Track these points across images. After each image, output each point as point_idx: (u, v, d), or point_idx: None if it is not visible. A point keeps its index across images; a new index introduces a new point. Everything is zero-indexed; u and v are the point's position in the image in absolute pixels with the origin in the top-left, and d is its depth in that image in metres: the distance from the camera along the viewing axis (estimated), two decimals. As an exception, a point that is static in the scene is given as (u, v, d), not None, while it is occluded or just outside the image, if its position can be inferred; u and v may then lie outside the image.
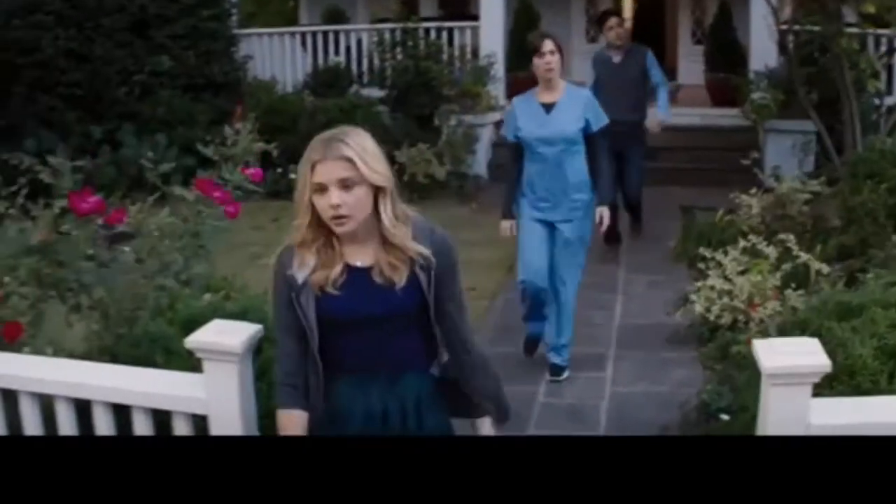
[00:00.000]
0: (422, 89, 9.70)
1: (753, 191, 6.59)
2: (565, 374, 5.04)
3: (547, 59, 4.64)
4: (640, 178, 7.18)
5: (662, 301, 6.06)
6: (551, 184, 4.75)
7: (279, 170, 9.66)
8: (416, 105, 9.73)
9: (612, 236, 6.91)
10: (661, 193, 8.27)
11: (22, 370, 2.72)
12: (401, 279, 2.36)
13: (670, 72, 11.20)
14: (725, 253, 5.33)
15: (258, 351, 3.10)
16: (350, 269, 2.38)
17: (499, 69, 9.80)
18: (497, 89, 9.86)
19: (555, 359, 5.05)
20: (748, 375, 3.52)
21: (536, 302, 4.93)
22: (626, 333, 5.70)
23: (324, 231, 2.35)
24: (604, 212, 4.88)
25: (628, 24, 7.58)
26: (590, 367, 5.20)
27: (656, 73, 7.16)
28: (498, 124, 9.00)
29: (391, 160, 9.72)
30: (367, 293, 2.37)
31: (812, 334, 2.82)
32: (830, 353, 2.66)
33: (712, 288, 5.12)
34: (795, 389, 2.24)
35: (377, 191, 2.31)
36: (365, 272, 2.38)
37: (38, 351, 2.80)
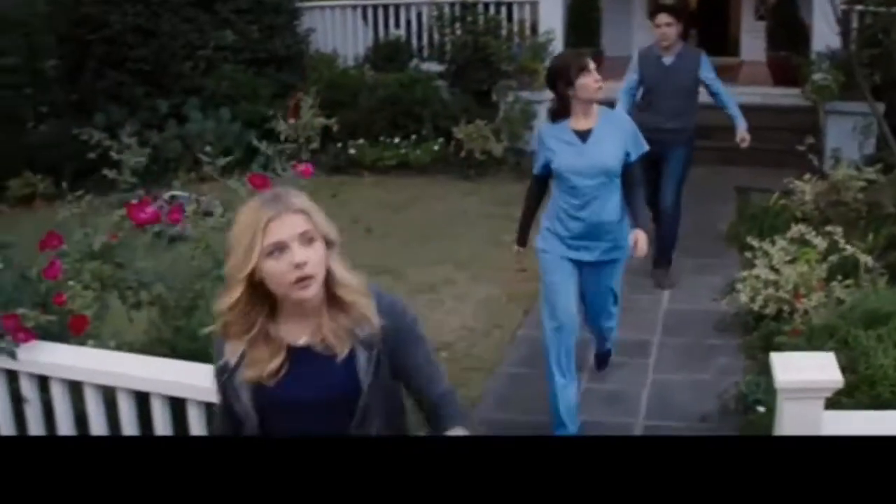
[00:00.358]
0: (480, 65, 9.76)
1: (807, 176, 6.55)
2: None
3: (597, 78, 4.14)
4: (677, 187, 6.27)
5: (711, 286, 6.11)
6: (587, 221, 4.27)
7: (339, 144, 9.85)
8: (474, 80, 9.80)
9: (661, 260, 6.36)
10: (716, 174, 8.24)
11: (87, 362, 2.93)
12: (343, 350, 2.13)
13: (732, 46, 11.05)
14: (773, 242, 5.35)
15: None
16: (289, 351, 2.16)
17: (557, 45, 9.78)
18: (555, 66, 9.86)
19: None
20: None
21: (557, 346, 4.37)
22: (672, 319, 5.76)
23: (259, 309, 2.12)
24: (639, 235, 4.27)
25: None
26: (634, 354, 5.30)
27: (713, 79, 6.24)
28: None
29: (448, 136, 9.87)
30: (311, 374, 2.15)
31: (838, 341, 2.89)
32: (854, 361, 2.74)
33: (758, 277, 5.15)
34: (808, 403, 2.33)
35: (327, 246, 2.12)
36: (305, 351, 2.16)
37: (101, 344, 3.00)
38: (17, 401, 3.10)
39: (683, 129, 6.15)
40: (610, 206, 4.27)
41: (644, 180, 5.55)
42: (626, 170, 4.29)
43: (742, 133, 6.24)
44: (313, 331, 2.14)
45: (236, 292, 2.09)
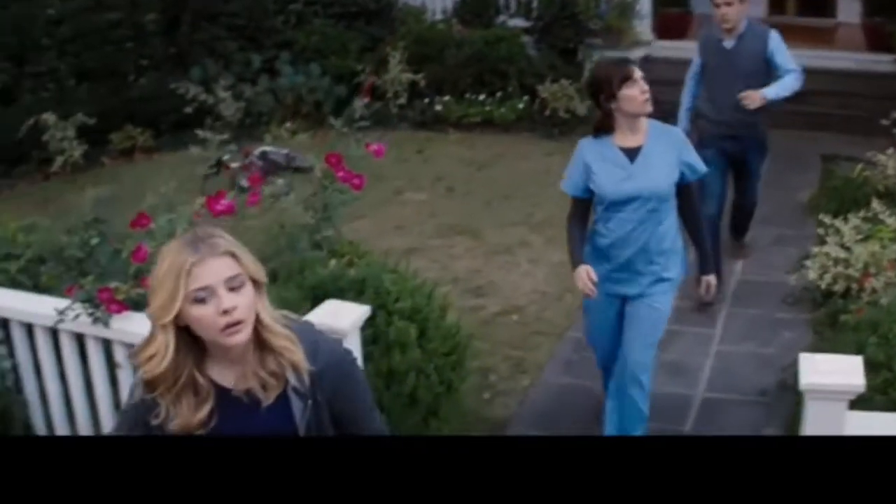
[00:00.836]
0: (567, 22, 9.73)
1: (891, 150, 6.45)
2: None
3: (643, 87, 3.63)
4: (756, 190, 5.85)
5: (787, 258, 6.10)
6: (631, 250, 3.75)
7: (426, 100, 10.00)
8: (560, 38, 9.79)
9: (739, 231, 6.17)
10: (803, 140, 8.13)
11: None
12: (269, 398, 2.04)
13: (829, 7, 10.71)
14: (846, 220, 5.35)
15: (372, 317, 3.51)
16: (217, 395, 2.05)
17: (645, 5, 9.68)
18: (642, 25, 9.77)
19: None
20: (848, 346, 3.62)
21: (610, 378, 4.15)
22: (743, 289, 5.80)
23: (185, 357, 2.00)
24: (711, 281, 3.99)
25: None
26: (700, 324, 5.39)
27: (783, 61, 5.33)
28: (643, 60, 8.97)
29: (533, 94, 9.92)
30: (238, 418, 2.05)
31: (881, 336, 2.97)
32: (892, 359, 2.83)
33: (827, 255, 5.17)
34: (831, 404, 2.45)
35: (256, 288, 2.01)
36: (234, 396, 2.05)
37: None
38: (111, 366, 3.42)
39: (751, 122, 5.38)
40: (659, 233, 3.74)
41: (710, 192, 5.39)
42: (681, 193, 3.80)
43: (749, 93, 5.20)
44: (241, 376, 2.04)
45: (160, 339, 1.96)
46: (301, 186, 7.80)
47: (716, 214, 5.55)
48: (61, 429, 3.66)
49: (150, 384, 2.00)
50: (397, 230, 7.42)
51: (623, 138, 3.72)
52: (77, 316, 3.29)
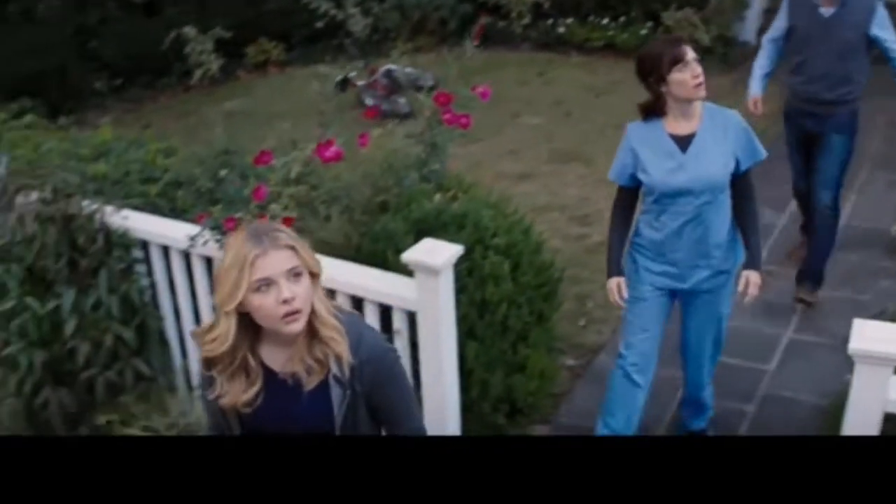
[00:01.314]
0: (696, -53, 9.57)
1: None
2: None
3: (696, 71, 3.35)
4: (836, 177, 4.99)
5: (896, 205, 6.07)
6: (686, 245, 3.52)
7: (549, 21, 10.05)
8: (688, -37, 9.65)
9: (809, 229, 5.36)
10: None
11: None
12: (311, 384, 2.21)
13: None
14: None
15: (470, 251, 3.79)
16: (266, 377, 2.23)
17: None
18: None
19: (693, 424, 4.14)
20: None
21: (624, 394, 3.75)
22: (848, 235, 5.76)
23: (244, 342, 2.17)
24: (752, 277, 3.60)
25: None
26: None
27: (888, 39, 4.73)
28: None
29: (657, 20, 9.87)
30: (281, 398, 2.23)
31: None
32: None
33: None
34: (876, 369, 2.64)
35: (312, 280, 2.15)
36: (280, 378, 2.22)
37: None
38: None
39: (846, 101, 4.85)
40: (715, 226, 3.51)
41: (794, 167, 5.21)
42: (737, 181, 3.51)
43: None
44: (288, 359, 2.20)
45: (223, 324, 2.13)
46: (422, 105, 8.11)
47: (805, 189, 5.17)
48: (190, 340, 4.14)
49: (208, 362, 2.20)
50: (511, 154, 7.65)
51: (675, 124, 3.45)
52: (206, 242, 3.70)
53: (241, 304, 2.09)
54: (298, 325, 2.10)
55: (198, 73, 9.99)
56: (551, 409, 4.45)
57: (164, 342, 4.16)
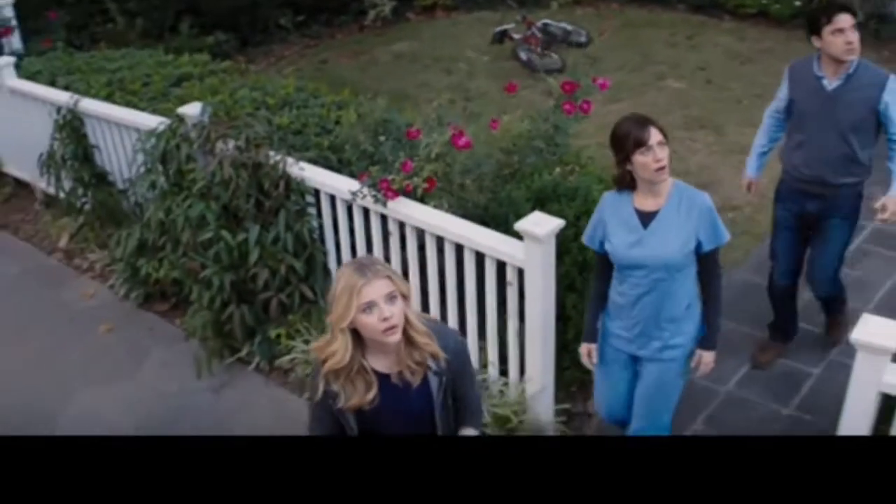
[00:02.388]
0: (862, -86, 9.61)
1: None
2: None
3: (658, 156, 3.41)
4: (834, 265, 4.71)
5: None
6: (640, 315, 3.64)
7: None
8: (852, -69, 9.70)
9: (779, 334, 5.10)
10: None
11: (429, 218, 4.46)
12: (417, 381, 2.77)
13: None
14: None
15: (577, 219, 4.53)
16: (377, 376, 2.77)
17: None
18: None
19: None
20: None
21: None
22: None
23: (357, 352, 2.71)
24: (704, 357, 3.71)
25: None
26: (893, 247, 5.95)
27: (895, 117, 4.26)
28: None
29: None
30: (395, 395, 2.78)
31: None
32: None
33: None
34: (874, 357, 3.29)
35: (404, 300, 2.69)
36: (388, 378, 2.78)
37: (440, 206, 4.50)
38: (385, 234, 4.75)
39: (849, 185, 4.46)
40: (670, 301, 3.59)
41: (779, 258, 4.81)
42: (703, 260, 3.58)
43: (885, 201, 4.34)
44: (394, 363, 2.77)
45: (339, 340, 2.68)
46: (574, 61, 8.71)
47: (788, 286, 4.86)
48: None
49: (333, 374, 2.75)
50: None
51: (642, 200, 3.55)
52: (364, 196, 4.61)
53: (351, 322, 2.66)
54: (396, 336, 2.67)
55: (371, 14, 10.98)
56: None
57: (326, 272, 5.14)
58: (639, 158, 3.43)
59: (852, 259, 5.84)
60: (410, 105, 7.65)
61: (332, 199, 4.95)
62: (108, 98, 6.48)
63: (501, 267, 4.35)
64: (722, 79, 8.81)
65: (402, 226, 4.63)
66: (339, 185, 4.85)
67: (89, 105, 6.23)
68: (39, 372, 5.52)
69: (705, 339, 3.71)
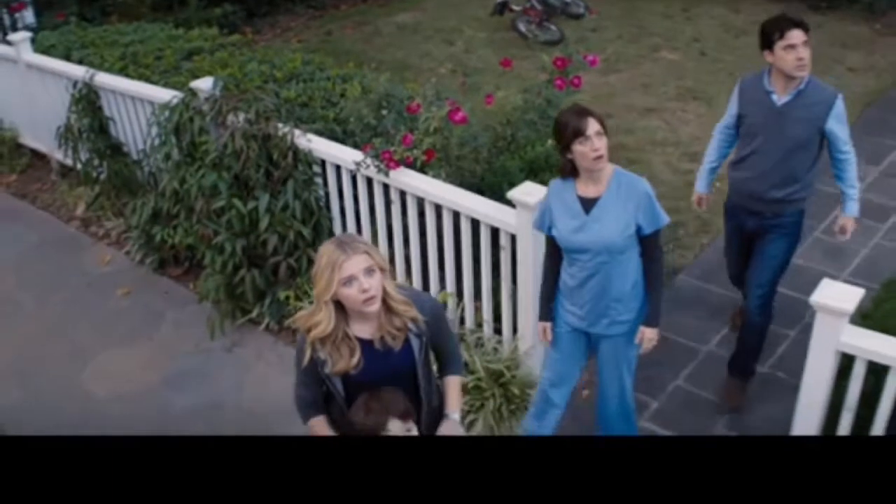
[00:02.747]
0: None
1: None
2: None
3: (595, 146, 3.56)
4: (769, 283, 4.59)
5: None
6: (588, 295, 3.83)
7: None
8: None
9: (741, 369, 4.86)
10: None
11: (428, 188, 4.75)
12: (398, 345, 2.99)
13: None
14: None
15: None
16: (360, 343, 2.99)
17: None
18: None
19: None
20: None
21: (542, 409, 4.23)
22: None
23: (341, 321, 2.94)
24: (647, 333, 3.89)
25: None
26: (872, 217, 6.19)
27: (841, 136, 4.27)
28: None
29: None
30: (378, 360, 3.00)
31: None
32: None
33: None
34: (831, 318, 3.58)
35: (382, 273, 2.90)
36: (371, 344, 2.99)
37: (438, 176, 4.78)
38: (387, 203, 5.05)
39: (792, 201, 4.42)
40: (614, 282, 3.77)
41: (731, 265, 4.91)
42: (645, 242, 3.76)
43: (843, 222, 4.56)
44: (375, 329, 2.98)
45: (323, 311, 2.91)
46: (572, 33, 8.91)
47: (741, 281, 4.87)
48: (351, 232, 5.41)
49: (319, 342, 2.97)
50: (643, 88, 8.46)
51: (584, 187, 3.72)
52: (368, 167, 4.90)
53: (333, 294, 2.88)
54: (375, 306, 2.90)
55: (375, -16, 11.10)
56: (628, 318, 5.50)
57: (331, 234, 5.44)
58: (578, 148, 3.59)
59: (832, 226, 6.12)
60: (413, 75, 7.90)
61: (338, 169, 5.25)
62: (122, 71, 6.76)
63: (495, 233, 4.64)
64: (716, 51, 9.04)
65: (403, 194, 4.93)
66: (344, 155, 5.14)
67: (104, 79, 6.50)
68: (62, 334, 5.86)
69: (647, 316, 3.88)
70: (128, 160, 6.66)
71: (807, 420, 3.95)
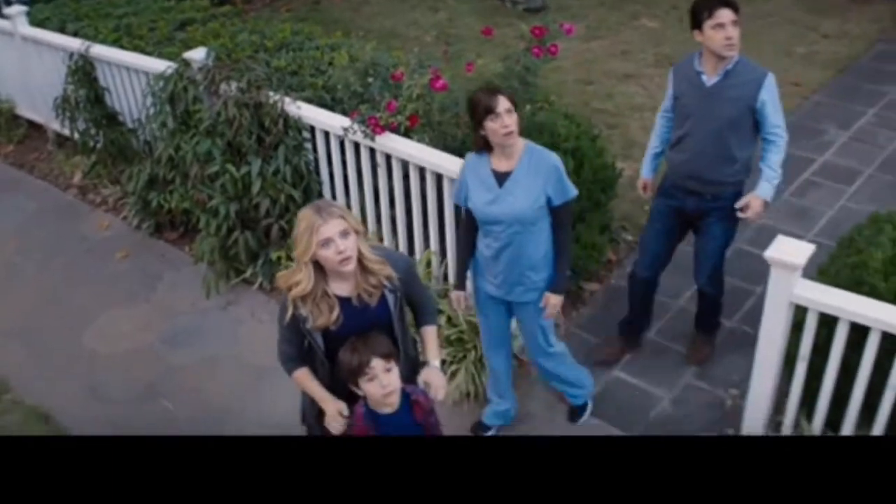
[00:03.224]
0: None
1: None
2: (586, 416, 4.76)
3: (505, 122, 3.74)
4: (714, 262, 4.70)
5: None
6: (503, 265, 4.03)
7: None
8: None
9: (628, 329, 5.16)
10: None
11: (412, 151, 4.99)
12: (374, 302, 3.22)
13: None
14: None
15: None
16: (339, 300, 3.20)
17: None
18: None
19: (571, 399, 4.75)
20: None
21: (492, 375, 4.61)
22: (894, 159, 6.65)
23: (320, 280, 3.15)
24: (550, 299, 4.09)
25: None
26: (839, 180, 6.48)
27: (771, 116, 4.27)
28: None
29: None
30: (356, 315, 3.21)
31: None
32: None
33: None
34: (785, 272, 3.82)
35: (357, 235, 3.11)
36: (349, 301, 3.21)
37: (422, 140, 5.01)
38: (373, 166, 5.27)
39: (727, 184, 4.44)
40: (527, 252, 3.98)
41: (647, 250, 4.83)
42: (555, 213, 3.95)
43: (749, 199, 4.43)
44: (352, 287, 3.21)
45: (303, 271, 3.12)
46: (553, 1, 9.05)
47: (649, 279, 4.90)
48: (341, 198, 5.65)
49: (301, 299, 3.18)
50: (623, 55, 8.69)
51: (497, 161, 3.90)
52: (355, 132, 5.14)
53: (312, 256, 3.09)
54: (351, 266, 3.12)
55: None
56: (605, 274, 5.79)
57: (321, 197, 5.69)
58: (489, 125, 3.78)
59: (800, 188, 6.41)
60: (399, 43, 8.09)
61: (326, 134, 5.49)
62: (117, 43, 6.96)
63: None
64: (696, 18, 9.22)
65: (388, 158, 5.17)
66: (332, 122, 5.38)
67: (100, 50, 6.70)
68: (64, 296, 6.12)
69: (553, 283, 4.09)
70: (123, 129, 6.88)
71: (765, 369, 4.22)
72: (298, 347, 3.39)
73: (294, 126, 5.50)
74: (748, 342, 4.71)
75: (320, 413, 3.43)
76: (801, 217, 6.15)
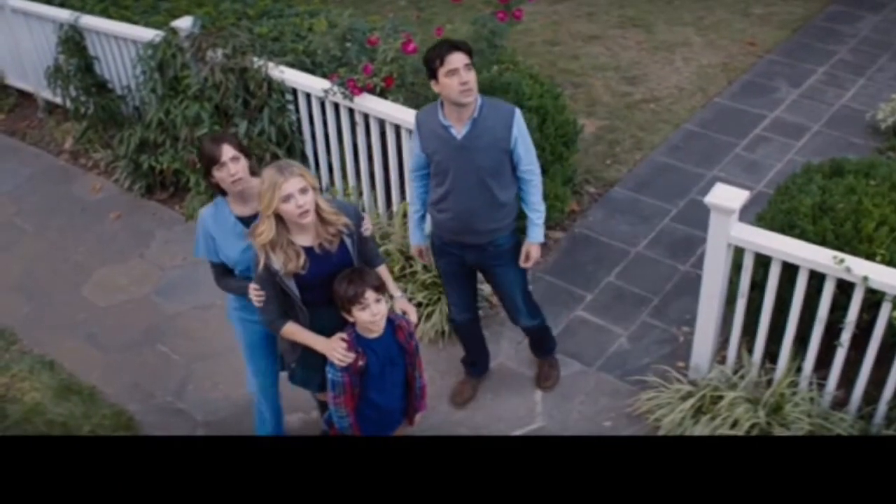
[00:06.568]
0: None
1: None
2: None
3: (232, 172, 3.80)
4: (519, 302, 4.66)
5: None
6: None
7: None
8: None
9: (473, 368, 5.08)
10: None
11: (388, 111, 5.39)
12: (335, 248, 3.60)
13: None
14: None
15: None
16: (304, 249, 3.57)
17: None
18: None
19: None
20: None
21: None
22: (841, 114, 7.11)
23: (283, 232, 3.51)
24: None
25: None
26: (788, 135, 6.90)
27: (524, 154, 4.21)
28: None
29: None
30: (321, 261, 3.59)
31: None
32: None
33: None
34: (722, 215, 4.22)
35: (314, 191, 3.48)
36: (312, 249, 3.58)
37: (396, 99, 5.41)
38: (352, 125, 5.66)
39: (502, 227, 4.34)
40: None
41: (456, 301, 4.73)
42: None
43: (527, 249, 4.43)
44: (313, 237, 3.59)
45: (268, 223, 3.48)
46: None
47: (469, 320, 4.81)
48: (322, 156, 6.04)
49: (269, 246, 3.52)
50: (588, 17, 9.05)
51: (236, 207, 3.93)
52: (335, 94, 5.51)
53: (275, 209, 3.46)
54: (309, 218, 3.49)
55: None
56: (569, 223, 6.21)
57: (304, 158, 6.09)
58: (216, 174, 3.85)
59: (751, 143, 6.84)
60: (375, 8, 8.44)
61: (308, 96, 5.85)
62: (104, 13, 7.25)
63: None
64: (658, -18, 9.60)
65: (366, 117, 5.55)
66: (313, 84, 5.74)
67: (88, 21, 7.00)
68: (62, 254, 6.49)
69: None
70: (113, 96, 7.20)
71: (708, 307, 4.62)
72: (278, 305, 3.72)
73: (277, 89, 5.86)
74: (699, 284, 5.16)
75: (303, 355, 3.84)
76: (752, 170, 6.58)
